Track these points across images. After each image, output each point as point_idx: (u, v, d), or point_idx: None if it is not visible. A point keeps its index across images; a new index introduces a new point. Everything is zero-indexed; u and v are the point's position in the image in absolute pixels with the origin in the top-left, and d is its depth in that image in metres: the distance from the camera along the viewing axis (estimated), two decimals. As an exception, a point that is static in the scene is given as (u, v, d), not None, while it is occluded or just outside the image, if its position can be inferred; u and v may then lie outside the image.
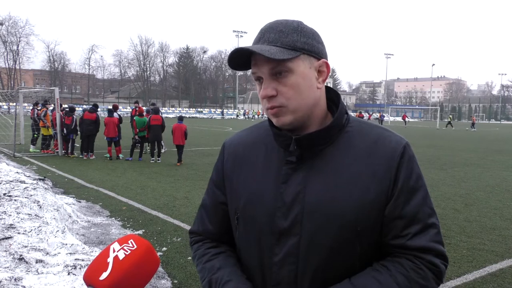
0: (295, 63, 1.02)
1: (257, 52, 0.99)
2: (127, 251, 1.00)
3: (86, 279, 0.99)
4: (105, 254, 1.01)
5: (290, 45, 1.02)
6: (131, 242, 1.03)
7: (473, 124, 45.97)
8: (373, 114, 72.90)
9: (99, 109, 13.97)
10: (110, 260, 0.98)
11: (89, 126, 12.92)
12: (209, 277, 1.14)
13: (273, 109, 1.04)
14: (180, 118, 12.70)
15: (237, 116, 74.84)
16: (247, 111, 77.83)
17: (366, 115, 64.08)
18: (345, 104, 1.14)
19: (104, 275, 0.96)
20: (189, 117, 62.61)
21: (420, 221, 1.04)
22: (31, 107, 16.51)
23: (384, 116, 55.73)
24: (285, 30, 1.03)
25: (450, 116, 54.84)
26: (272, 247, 1.07)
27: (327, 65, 1.07)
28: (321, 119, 1.10)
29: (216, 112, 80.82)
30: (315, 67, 1.06)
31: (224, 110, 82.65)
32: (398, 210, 1.04)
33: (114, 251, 1.01)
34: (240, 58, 1.05)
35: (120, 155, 13.20)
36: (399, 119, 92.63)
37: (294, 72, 1.02)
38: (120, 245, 1.02)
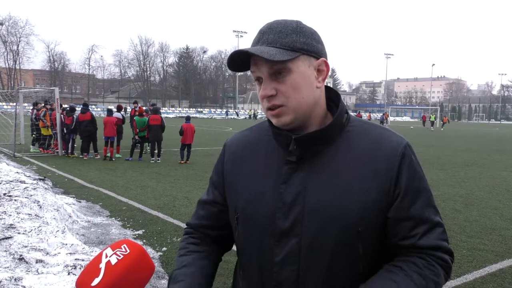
0: (294, 64, 1.02)
1: (256, 54, 0.99)
2: (119, 256, 0.99)
3: (78, 285, 0.97)
4: (97, 259, 1.00)
5: (289, 45, 1.01)
6: (124, 246, 1.02)
7: (443, 123, 46.49)
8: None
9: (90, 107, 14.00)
10: (102, 265, 0.98)
11: (86, 127, 12.89)
12: (173, 271, 1.16)
13: (273, 109, 1.04)
14: (188, 118, 12.91)
15: (249, 117, 65.11)
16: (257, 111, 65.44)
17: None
18: (345, 104, 1.14)
19: (96, 281, 0.95)
20: (189, 117, 61.84)
21: (427, 221, 1.05)
22: (31, 107, 16.49)
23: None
24: (284, 31, 1.03)
25: (432, 115, 45.62)
26: (273, 248, 1.07)
27: (327, 64, 1.07)
28: (321, 118, 1.10)
29: (217, 112, 77.02)
30: (314, 66, 1.05)
31: (229, 110, 79.39)
32: (404, 212, 1.04)
33: (106, 256, 1.00)
34: (240, 60, 1.05)
35: (117, 155, 13.18)
36: (399, 119, 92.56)
37: (293, 71, 1.02)
38: (113, 250, 1.01)
